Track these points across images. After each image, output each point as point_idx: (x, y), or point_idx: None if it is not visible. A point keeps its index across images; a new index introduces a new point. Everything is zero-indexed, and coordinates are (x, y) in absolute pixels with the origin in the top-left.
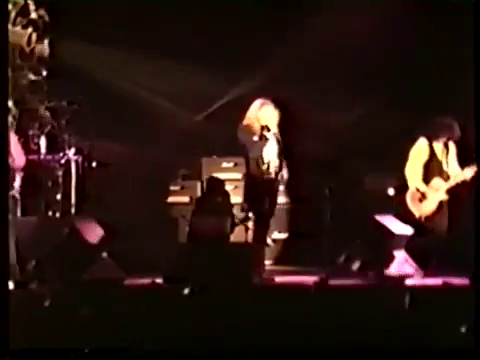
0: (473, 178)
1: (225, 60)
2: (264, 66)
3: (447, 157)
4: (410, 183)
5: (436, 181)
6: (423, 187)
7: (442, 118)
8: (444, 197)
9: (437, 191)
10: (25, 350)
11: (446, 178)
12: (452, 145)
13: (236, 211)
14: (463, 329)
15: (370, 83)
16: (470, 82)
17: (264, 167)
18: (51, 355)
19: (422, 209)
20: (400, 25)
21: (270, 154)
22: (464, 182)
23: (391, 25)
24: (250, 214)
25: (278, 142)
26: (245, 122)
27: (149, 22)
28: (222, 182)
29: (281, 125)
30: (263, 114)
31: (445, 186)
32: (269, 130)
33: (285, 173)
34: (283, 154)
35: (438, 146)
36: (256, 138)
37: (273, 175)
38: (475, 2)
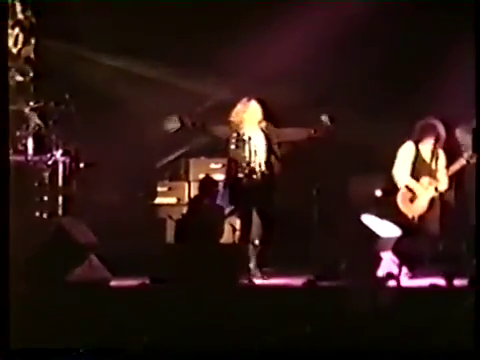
0: (459, 175)
1: (211, 62)
2: (251, 67)
3: (436, 163)
4: (400, 183)
5: (425, 180)
6: (413, 183)
7: (426, 119)
8: (434, 194)
9: (427, 189)
10: (25, 350)
11: (435, 176)
12: (441, 153)
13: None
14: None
15: (357, 84)
16: (461, 83)
17: (244, 165)
18: (51, 355)
19: (414, 209)
20: (388, 26)
21: (253, 152)
22: (452, 181)
23: (379, 27)
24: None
25: (263, 140)
26: (233, 119)
27: (135, 24)
28: (216, 182)
29: (267, 122)
30: (245, 110)
31: (434, 183)
32: (252, 127)
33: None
34: (270, 152)
35: (425, 148)
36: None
37: (258, 174)
38: (475, 4)
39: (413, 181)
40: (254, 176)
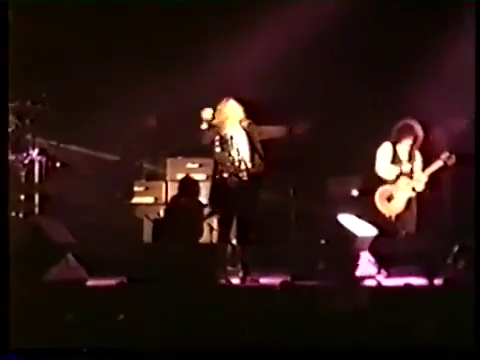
0: (440, 175)
1: (190, 61)
2: (230, 66)
3: (413, 164)
4: (389, 177)
5: (403, 180)
6: (390, 186)
7: (404, 120)
8: (411, 194)
9: (404, 189)
10: (25, 350)
11: (412, 177)
12: (418, 154)
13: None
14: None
15: (336, 85)
16: (440, 85)
17: (229, 165)
18: (50, 355)
19: (391, 208)
20: (368, 28)
21: (237, 152)
22: (430, 181)
23: (358, 28)
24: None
25: (245, 138)
26: (215, 121)
27: (113, 21)
28: (196, 183)
29: (248, 120)
30: (226, 110)
31: (411, 183)
32: (233, 126)
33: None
34: (253, 151)
35: (402, 149)
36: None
37: (242, 174)
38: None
39: (390, 182)
40: (240, 175)
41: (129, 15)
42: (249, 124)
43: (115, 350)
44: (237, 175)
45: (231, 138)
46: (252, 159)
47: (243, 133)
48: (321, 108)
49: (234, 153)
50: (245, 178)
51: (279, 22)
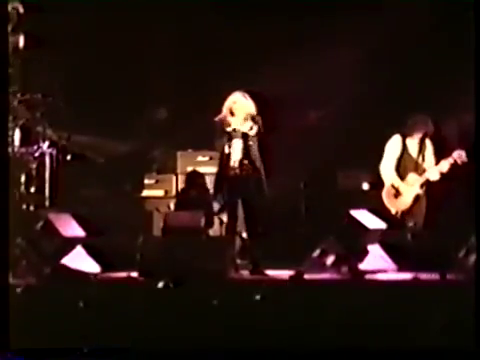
0: (450, 172)
1: (201, 55)
2: (241, 61)
3: (423, 154)
4: (385, 180)
5: (411, 176)
6: (398, 182)
7: (416, 114)
8: (420, 191)
9: (412, 186)
10: (25, 350)
11: (421, 173)
12: (429, 143)
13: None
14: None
15: (346, 80)
16: (452, 81)
17: (232, 161)
18: (50, 355)
19: (398, 204)
20: (380, 23)
21: (236, 149)
22: (442, 175)
23: (370, 24)
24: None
25: (253, 132)
26: (221, 115)
27: (124, 15)
28: (202, 176)
29: (256, 115)
30: (238, 105)
31: (420, 180)
32: (241, 120)
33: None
34: (259, 146)
35: (412, 143)
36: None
37: (235, 171)
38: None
39: (398, 179)
40: (244, 170)
41: (140, 6)
42: (256, 119)
43: (116, 350)
44: (241, 170)
45: (230, 135)
46: (257, 154)
47: (250, 127)
48: (332, 101)
49: (227, 149)
50: (247, 173)
51: (291, 15)
